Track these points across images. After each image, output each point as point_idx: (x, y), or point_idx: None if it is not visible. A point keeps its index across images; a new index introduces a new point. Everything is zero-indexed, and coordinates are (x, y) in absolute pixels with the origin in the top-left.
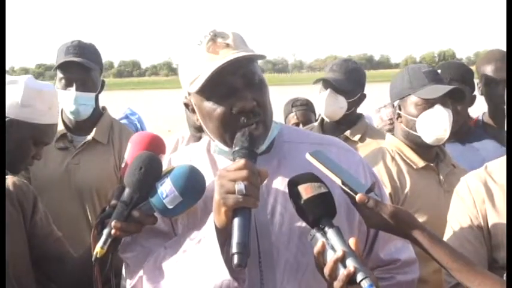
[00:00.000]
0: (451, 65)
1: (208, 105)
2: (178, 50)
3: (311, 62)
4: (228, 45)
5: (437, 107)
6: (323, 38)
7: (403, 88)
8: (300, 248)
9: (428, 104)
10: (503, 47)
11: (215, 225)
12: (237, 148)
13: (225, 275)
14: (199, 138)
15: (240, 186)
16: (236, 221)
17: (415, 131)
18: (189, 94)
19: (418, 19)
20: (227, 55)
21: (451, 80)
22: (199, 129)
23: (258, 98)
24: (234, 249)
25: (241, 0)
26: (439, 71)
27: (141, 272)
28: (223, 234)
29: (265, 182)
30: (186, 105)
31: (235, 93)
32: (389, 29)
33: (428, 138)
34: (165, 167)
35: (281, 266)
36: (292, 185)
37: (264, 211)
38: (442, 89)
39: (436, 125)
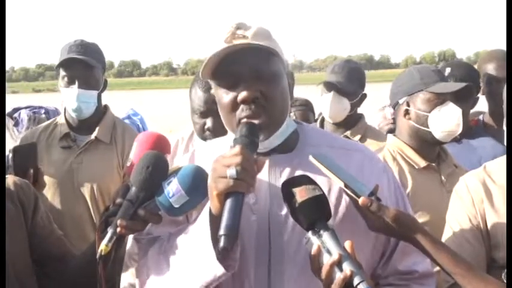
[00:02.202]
0: (460, 65)
1: (219, 92)
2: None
3: (311, 62)
4: (244, 36)
5: (450, 103)
6: (323, 38)
7: (414, 84)
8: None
9: (440, 99)
10: (503, 46)
11: (210, 211)
12: (237, 136)
13: (212, 260)
14: (203, 125)
15: (231, 171)
16: (227, 204)
17: (426, 127)
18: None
19: (418, 19)
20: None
21: (460, 79)
22: (202, 115)
23: (265, 90)
24: (221, 231)
25: (241, 1)
26: (448, 68)
27: (146, 257)
28: (217, 220)
29: (282, 182)
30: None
31: (241, 83)
32: (389, 29)
33: (440, 133)
34: (187, 159)
35: (290, 265)
36: (287, 187)
37: (279, 211)
38: (456, 85)
39: (450, 119)
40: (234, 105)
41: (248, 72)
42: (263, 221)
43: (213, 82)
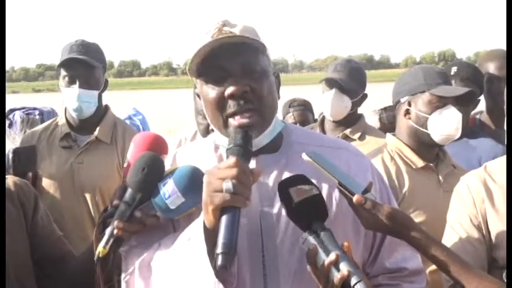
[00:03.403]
0: (467, 65)
1: (206, 89)
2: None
3: (311, 62)
4: (231, 33)
5: (452, 107)
6: (323, 38)
7: (418, 85)
8: (305, 252)
9: (441, 102)
10: (503, 46)
11: (204, 225)
12: (230, 145)
13: (210, 277)
14: (208, 125)
15: (227, 184)
16: (223, 220)
17: (426, 129)
18: (196, 80)
19: (418, 19)
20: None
21: (466, 78)
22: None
23: (253, 85)
24: (219, 249)
25: (242, 1)
26: (455, 67)
27: (134, 267)
28: (212, 235)
29: (271, 182)
30: (198, 95)
31: (229, 78)
32: (390, 29)
33: (439, 136)
34: (170, 163)
35: (286, 268)
36: (283, 187)
37: (270, 212)
38: (459, 90)
39: (449, 123)
40: (221, 101)
41: (237, 66)
42: (254, 224)
43: (199, 79)
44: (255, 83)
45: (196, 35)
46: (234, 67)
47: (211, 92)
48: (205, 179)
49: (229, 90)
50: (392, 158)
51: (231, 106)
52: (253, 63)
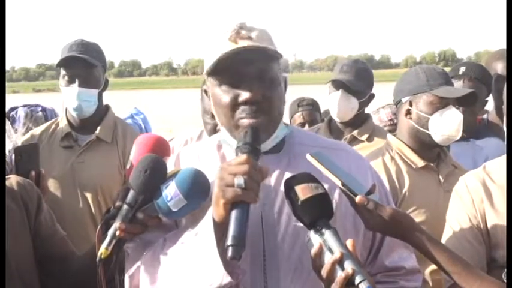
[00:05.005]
0: (476, 65)
1: (219, 91)
2: (205, 40)
3: (311, 62)
4: (250, 37)
5: (453, 107)
6: (323, 37)
7: (419, 85)
8: (305, 250)
9: (443, 103)
10: (504, 46)
11: (213, 219)
12: (240, 144)
13: (219, 269)
14: (215, 125)
15: (239, 180)
16: (233, 214)
17: (426, 129)
18: (208, 79)
19: (418, 19)
20: (244, 45)
21: (475, 78)
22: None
23: (266, 93)
24: (229, 241)
25: (242, 1)
26: (463, 67)
27: (139, 262)
28: (221, 229)
29: (273, 182)
30: (205, 91)
31: (244, 83)
32: (390, 29)
33: (440, 137)
34: (173, 162)
35: (286, 266)
36: (289, 185)
37: (271, 211)
38: (460, 91)
39: (450, 124)
40: (234, 105)
41: (252, 72)
42: (256, 223)
43: (213, 79)
44: (267, 90)
45: (210, 35)
46: (249, 72)
47: (224, 95)
48: (217, 175)
49: (244, 96)
50: (392, 158)
51: (244, 110)
52: (267, 70)
